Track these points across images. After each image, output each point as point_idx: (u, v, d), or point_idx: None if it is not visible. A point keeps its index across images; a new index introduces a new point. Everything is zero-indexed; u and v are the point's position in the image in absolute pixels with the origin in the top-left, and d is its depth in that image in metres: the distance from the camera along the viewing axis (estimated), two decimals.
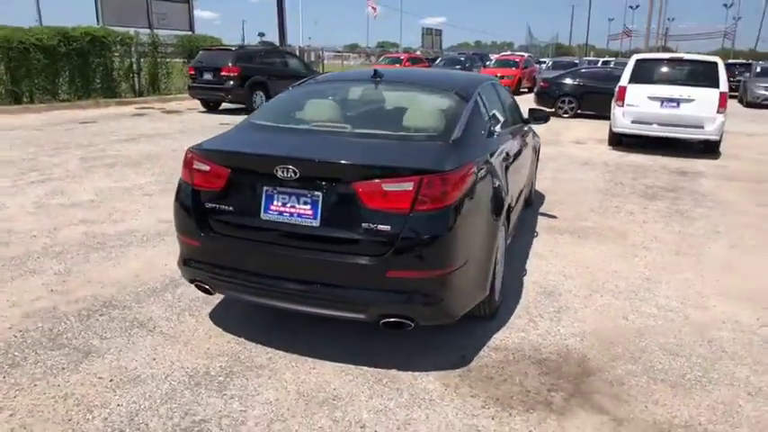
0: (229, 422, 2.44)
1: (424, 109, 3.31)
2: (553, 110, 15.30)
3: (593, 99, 14.69)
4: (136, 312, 3.45)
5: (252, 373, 2.83)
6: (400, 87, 3.82)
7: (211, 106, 14.05)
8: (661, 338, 3.27)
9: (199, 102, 14.09)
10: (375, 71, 3.62)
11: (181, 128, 11.38)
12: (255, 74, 13.18)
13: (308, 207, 2.70)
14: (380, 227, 2.59)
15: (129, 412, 2.49)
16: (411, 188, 2.56)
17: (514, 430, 2.43)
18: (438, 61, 26.52)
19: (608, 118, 10.42)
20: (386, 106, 3.51)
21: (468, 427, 2.44)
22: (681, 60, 9.79)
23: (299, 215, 2.71)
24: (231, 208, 2.86)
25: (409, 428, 2.43)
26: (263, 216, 2.78)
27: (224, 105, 14.26)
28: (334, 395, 2.66)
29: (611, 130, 10.17)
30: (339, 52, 59.69)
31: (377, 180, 2.58)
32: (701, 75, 9.25)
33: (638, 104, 9.49)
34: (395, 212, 2.57)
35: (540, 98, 15.86)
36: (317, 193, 2.67)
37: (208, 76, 13.03)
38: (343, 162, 2.70)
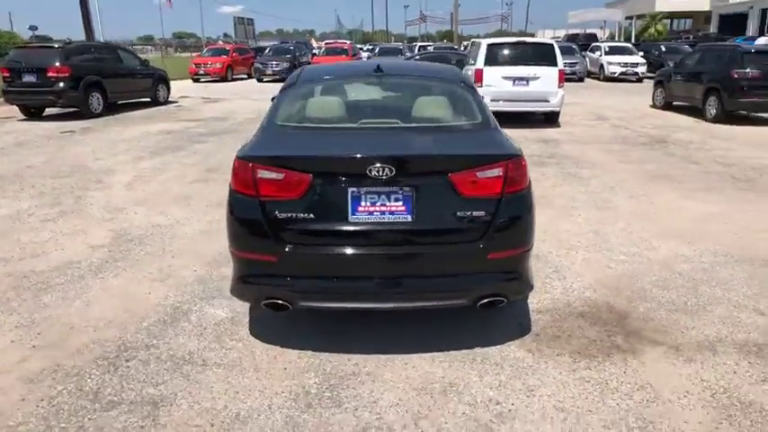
0: None
1: (450, 100, 3.44)
2: None
3: None
4: (166, 350, 3.04)
5: (353, 381, 2.75)
6: (408, 80, 3.87)
7: (33, 112, 11.93)
8: (646, 278, 3.92)
9: (18, 108, 11.83)
10: (378, 65, 3.62)
11: (13, 140, 9.56)
12: (89, 73, 11.54)
13: (400, 204, 2.68)
14: (475, 213, 2.70)
15: None
16: (501, 173, 2.71)
17: (613, 374, 2.79)
18: (267, 51, 25.88)
19: None
20: (411, 99, 3.53)
21: (579, 380, 2.73)
22: (524, 43, 11.18)
23: (391, 213, 2.68)
24: (312, 215, 2.69)
25: (535, 394, 2.63)
26: (351, 219, 2.68)
27: (49, 110, 12.25)
28: (449, 382, 2.73)
29: None
30: (134, 44, 54.60)
31: (471, 169, 2.68)
32: (542, 55, 10.66)
33: (495, 84, 10.60)
34: (488, 197, 2.71)
35: None
36: (407, 188, 2.67)
37: (30, 78, 11.02)
38: (440, 155, 2.74)
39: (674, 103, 13.21)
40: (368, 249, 2.72)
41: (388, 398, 2.62)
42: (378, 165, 2.61)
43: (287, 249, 2.71)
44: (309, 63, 26.53)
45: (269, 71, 23.69)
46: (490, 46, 10.81)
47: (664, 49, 23.14)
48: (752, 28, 39.73)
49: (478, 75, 10.66)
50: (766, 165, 7.47)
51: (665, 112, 12.91)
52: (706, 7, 51.72)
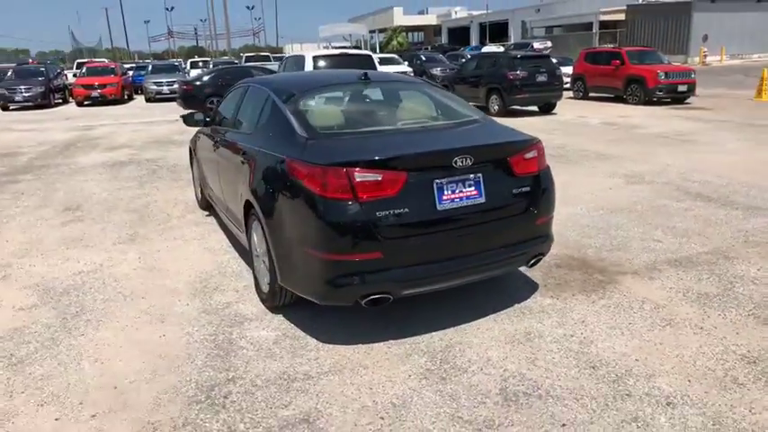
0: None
1: (449, 99, 3.90)
2: (202, 111, 15.56)
3: None
4: (259, 374, 2.88)
5: (454, 351, 3.06)
6: (390, 85, 4.16)
7: None
8: (570, 234, 4.96)
9: None
10: (365, 73, 3.88)
11: None
12: None
13: (473, 188, 3.08)
14: (524, 188, 3.27)
15: None
16: (535, 154, 3.33)
17: (619, 298, 3.64)
18: (9, 74, 21.85)
19: None
20: (412, 101, 3.84)
21: (604, 308, 3.51)
22: (347, 55, 11.93)
23: (468, 197, 3.07)
24: (407, 209, 2.92)
25: (587, 323, 3.32)
26: (439, 207, 2.99)
27: None
28: (525, 332, 3.25)
29: None
30: None
31: (520, 152, 3.23)
32: (363, 65, 11.56)
33: None
34: (530, 175, 3.30)
35: (188, 102, 15.76)
36: (478, 174, 3.09)
37: None
38: (502, 143, 3.20)
39: None
40: (453, 232, 3.07)
41: (495, 354, 3.02)
42: (461, 156, 2.98)
43: (388, 244, 2.89)
44: (65, 85, 23.35)
45: (18, 98, 20.16)
46: (315, 58, 11.32)
47: (424, 58, 26.52)
48: (474, 39, 48.00)
49: None
50: (545, 141, 9.59)
51: None
52: (434, 21, 60.42)
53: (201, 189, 5.88)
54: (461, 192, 3.06)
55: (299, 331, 3.36)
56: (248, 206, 3.71)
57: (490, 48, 34.64)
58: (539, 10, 40.41)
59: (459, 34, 51.34)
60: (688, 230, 4.90)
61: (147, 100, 21.97)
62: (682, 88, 14.97)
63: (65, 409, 2.68)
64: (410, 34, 66.73)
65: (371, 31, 61.92)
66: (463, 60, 21.49)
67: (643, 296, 3.66)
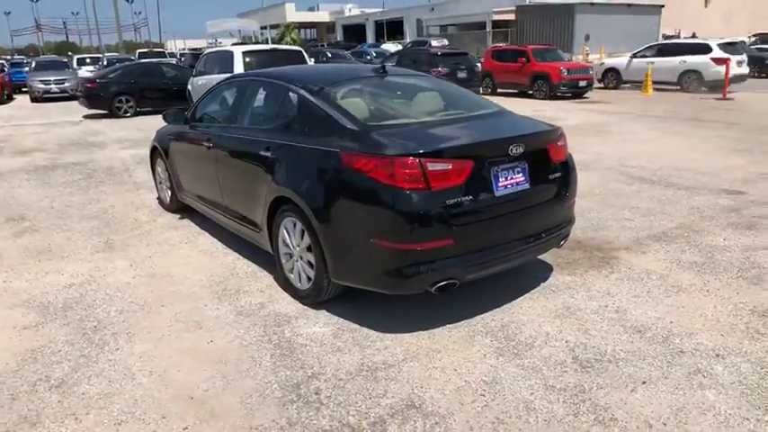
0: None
1: (463, 92, 4.04)
2: (109, 111, 14.48)
3: (152, 95, 14.73)
4: (352, 363, 2.85)
5: (512, 329, 3.24)
6: (411, 79, 4.22)
7: None
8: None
9: None
10: (383, 67, 3.94)
11: None
12: None
13: (521, 175, 3.27)
14: (557, 174, 3.52)
15: None
16: (563, 142, 3.59)
17: (626, 271, 4.03)
18: None
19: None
20: (436, 92, 3.93)
21: (619, 281, 3.88)
22: (277, 50, 11.63)
23: (517, 183, 3.25)
24: (471, 196, 3.04)
25: (613, 294, 3.66)
26: (497, 194, 3.14)
27: None
28: (563, 306, 3.51)
29: None
30: None
31: (554, 141, 3.47)
32: (293, 60, 11.38)
33: None
34: (561, 161, 3.55)
35: (92, 100, 14.55)
36: (524, 161, 3.28)
37: None
38: (543, 131, 3.40)
39: None
40: (507, 218, 3.24)
41: (550, 329, 3.25)
42: (515, 144, 3.16)
43: (457, 231, 3.00)
44: None
45: None
46: (245, 53, 10.96)
47: (330, 54, 26.46)
48: (370, 36, 48.59)
49: None
50: None
51: None
52: (327, 18, 60.25)
53: (173, 192, 5.55)
54: (512, 178, 3.25)
55: (352, 324, 3.36)
56: (277, 204, 3.63)
57: (388, 45, 35.37)
58: (433, 9, 41.83)
59: (355, 32, 51.74)
60: (650, 210, 5.49)
61: (33, 99, 19.84)
62: (582, 84, 16.40)
63: (150, 425, 2.50)
64: (303, 31, 66.05)
65: (263, 27, 60.47)
66: (368, 58, 21.92)
67: (645, 268, 4.09)
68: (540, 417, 2.50)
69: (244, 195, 4.12)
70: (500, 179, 3.19)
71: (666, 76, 16.95)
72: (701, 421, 2.45)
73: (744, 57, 17.08)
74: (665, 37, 36.84)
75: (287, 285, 3.80)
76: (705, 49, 16.75)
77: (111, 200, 6.40)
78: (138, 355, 3.08)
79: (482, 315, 3.42)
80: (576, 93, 16.54)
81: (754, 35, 32.74)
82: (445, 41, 34.83)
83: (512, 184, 3.25)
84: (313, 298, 3.53)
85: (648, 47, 18.57)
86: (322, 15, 60.50)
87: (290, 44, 54.58)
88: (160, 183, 5.95)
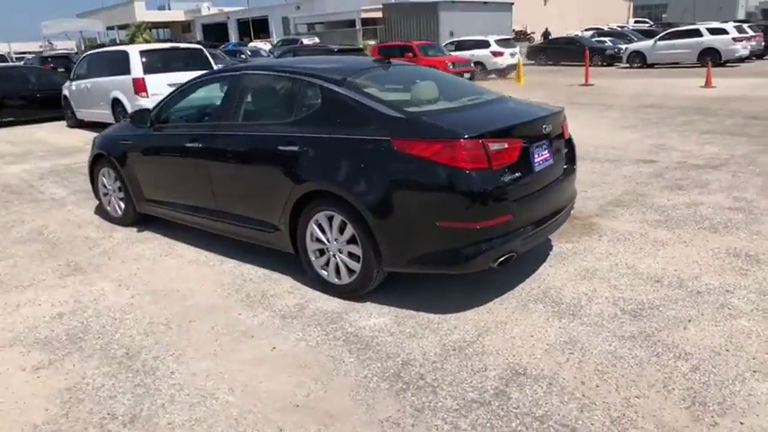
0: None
1: (457, 78, 4.17)
2: None
3: (14, 104, 12.94)
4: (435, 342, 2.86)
5: (558, 306, 3.48)
6: (412, 68, 4.24)
7: None
8: None
9: None
10: (388, 59, 3.98)
11: None
12: None
13: (546, 152, 3.51)
14: (565, 150, 3.83)
15: None
16: (566, 122, 3.90)
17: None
18: None
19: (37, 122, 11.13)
20: (446, 81, 4.01)
21: (610, 242, 4.32)
22: (177, 49, 10.81)
23: (545, 160, 3.49)
24: (520, 173, 3.21)
25: (615, 259, 4.07)
26: (535, 170, 3.35)
27: None
28: (585, 270, 3.83)
29: None
30: None
31: (563, 120, 3.76)
32: (195, 59, 10.72)
33: (162, 93, 10.01)
34: (566, 138, 3.87)
35: None
36: (548, 139, 3.52)
37: None
38: (561, 111, 3.66)
39: None
40: (543, 192, 3.46)
41: (585, 289, 3.55)
42: (546, 123, 3.40)
43: (514, 206, 3.16)
44: None
45: None
46: (144, 53, 10.08)
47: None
48: (233, 35, 46.89)
49: (140, 84, 9.88)
50: None
51: None
52: (182, 17, 56.97)
53: (130, 203, 5.03)
54: (542, 155, 3.48)
55: (406, 311, 3.37)
56: (304, 200, 3.51)
57: (256, 44, 34.50)
58: (299, 7, 41.53)
59: (215, 31, 49.61)
60: (594, 181, 6.11)
61: None
62: (466, 76, 17.44)
63: None
64: (156, 31, 61.84)
65: (109, 28, 55.66)
66: (243, 57, 21.27)
67: (624, 230, 4.59)
68: (630, 362, 2.76)
69: (252, 196, 3.90)
70: (536, 156, 3.41)
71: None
72: (751, 343, 2.88)
73: (516, 50, 21.77)
74: (515, 32, 40.43)
75: (319, 283, 3.69)
76: (485, 44, 21.07)
77: (39, 220, 5.61)
78: (203, 375, 2.83)
79: (521, 285, 3.63)
80: None
81: (586, 29, 37.13)
82: (316, 39, 34.83)
83: (543, 160, 3.49)
84: (359, 290, 3.48)
85: (449, 42, 23.01)
86: (176, 14, 57.06)
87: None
88: (106, 194, 5.35)
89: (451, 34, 32.48)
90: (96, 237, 5.02)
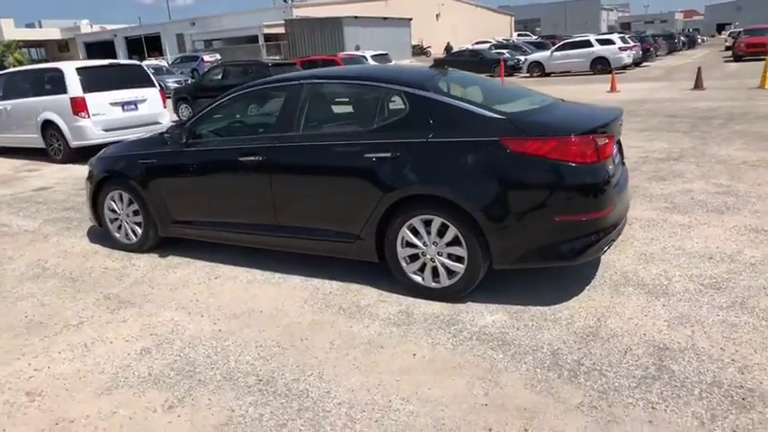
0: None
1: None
2: None
3: None
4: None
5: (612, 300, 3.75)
6: (468, 75, 4.29)
7: None
8: None
9: None
10: (445, 65, 4.03)
11: None
12: None
13: (616, 148, 3.77)
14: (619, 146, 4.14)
15: None
16: None
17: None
18: None
19: None
20: (498, 86, 4.10)
21: (641, 228, 4.71)
22: (117, 65, 9.98)
23: (616, 154, 3.75)
24: (612, 166, 3.42)
25: (662, 242, 4.45)
26: (615, 162, 3.59)
27: None
28: (641, 254, 4.15)
29: (68, 145, 9.35)
30: None
31: None
32: (136, 76, 10.00)
33: (104, 112, 9.29)
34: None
35: None
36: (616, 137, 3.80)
37: None
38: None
39: None
40: (623, 184, 3.71)
41: (656, 270, 3.85)
42: (621, 122, 3.66)
43: (614, 196, 3.37)
44: None
45: None
46: (81, 70, 9.21)
47: None
48: (121, 53, 43.99)
49: (80, 104, 9.05)
50: None
51: None
52: (58, 35, 52.47)
53: (151, 227, 4.63)
54: (615, 151, 3.74)
55: (515, 306, 3.45)
56: (398, 206, 3.50)
57: (150, 62, 32.71)
58: (194, 23, 39.94)
59: (101, 49, 46.21)
60: None
61: None
62: None
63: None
64: (27, 50, 56.37)
65: None
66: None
67: (647, 217, 5.00)
68: (746, 327, 3.05)
69: (328, 207, 3.79)
70: (615, 152, 3.67)
71: None
72: None
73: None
74: (413, 47, 42.04)
75: (412, 289, 3.65)
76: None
77: (30, 254, 4.96)
78: (363, 389, 2.72)
79: (598, 273, 3.86)
80: None
81: (477, 42, 39.50)
82: (218, 56, 33.78)
83: (618, 156, 3.76)
84: (462, 291, 3.51)
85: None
86: (50, 32, 52.39)
87: (14, 65, 46.35)
88: (114, 220, 4.87)
89: (357, 48, 33.05)
90: (116, 267, 4.55)
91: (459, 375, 2.79)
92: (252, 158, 3.97)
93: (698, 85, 14.52)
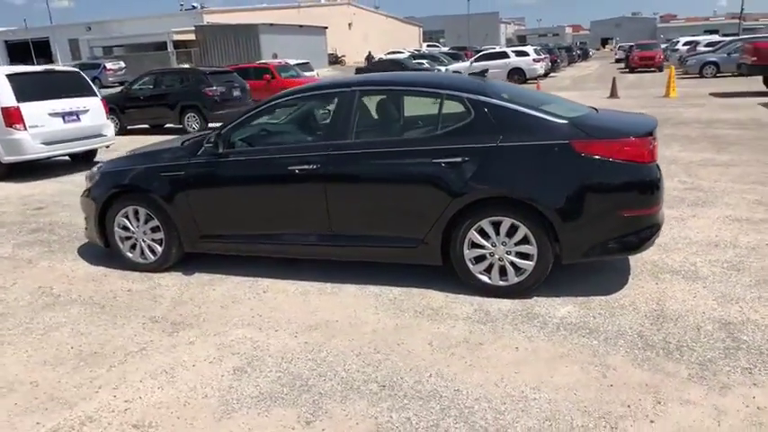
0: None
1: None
2: None
3: None
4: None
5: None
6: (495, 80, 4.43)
7: None
8: None
9: None
10: (484, 74, 4.23)
11: None
12: None
13: None
14: None
15: None
16: None
17: None
18: None
19: None
20: (533, 92, 4.32)
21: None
22: (53, 72, 9.05)
23: None
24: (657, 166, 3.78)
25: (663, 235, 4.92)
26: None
27: None
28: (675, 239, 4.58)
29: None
30: None
31: None
32: (76, 84, 9.22)
33: (43, 124, 8.48)
34: None
35: None
36: None
37: None
38: None
39: (130, 127, 13.84)
40: None
41: (680, 258, 4.27)
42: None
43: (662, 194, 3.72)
44: None
45: None
46: (13, 77, 8.32)
47: None
48: (1, 60, 39.85)
49: (13, 114, 8.20)
50: None
51: (139, 137, 13.47)
52: None
53: (174, 244, 4.38)
54: None
55: (578, 298, 3.70)
56: (466, 209, 3.62)
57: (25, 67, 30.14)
58: (89, 28, 37.14)
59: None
60: None
61: None
62: None
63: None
64: None
65: None
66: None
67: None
68: None
69: (391, 214, 3.82)
70: None
71: None
72: None
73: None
74: (330, 56, 42.14)
75: (479, 288, 3.78)
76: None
77: (24, 281, 4.47)
78: (491, 384, 2.81)
79: (632, 264, 4.21)
80: None
81: (389, 52, 40.45)
82: (122, 63, 31.80)
83: None
84: (532, 287, 3.69)
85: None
86: None
87: None
88: (127, 239, 4.53)
89: (275, 56, 32.55)
90: (142, 288, 4.24)
91: (571, 362, 2.97)
92: (305, 167, 3.90)
93: (613, 93, 15.97)
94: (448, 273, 3.93)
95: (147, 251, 4.52)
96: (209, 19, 33.38)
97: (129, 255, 4.58)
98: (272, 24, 32.70)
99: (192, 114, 13.16)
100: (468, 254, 3.74)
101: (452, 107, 3.84)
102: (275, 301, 3.93)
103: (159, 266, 4.51)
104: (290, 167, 3.96)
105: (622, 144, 3.49)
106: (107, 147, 9.81)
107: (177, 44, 32.75)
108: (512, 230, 3.62)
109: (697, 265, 4.15)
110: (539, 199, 3.52)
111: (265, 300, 3.95)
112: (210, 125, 13.29)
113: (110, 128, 9.68)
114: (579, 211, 3.52)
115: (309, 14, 43.05)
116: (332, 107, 4.06)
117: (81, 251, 5.19)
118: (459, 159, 3.64)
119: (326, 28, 38.57)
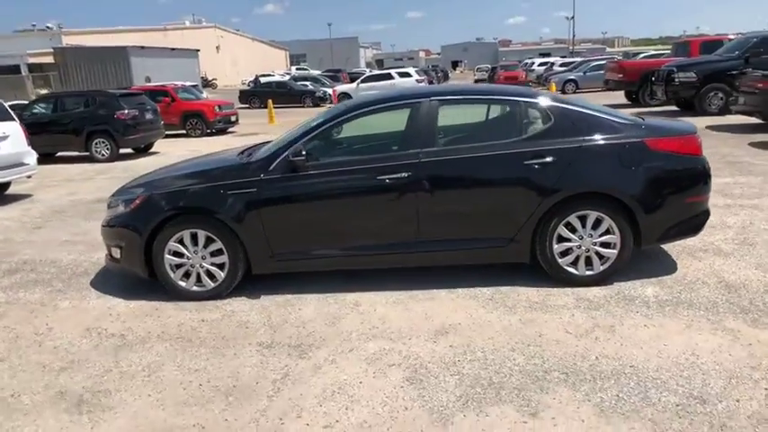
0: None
1: None
2: None
3: None
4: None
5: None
6: None
7: None
8: None
9: None
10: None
11: None
12: None
13: None
14: None
15: None
16: None
17: None
18: None
19: None
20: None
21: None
22: None
23: None
24: None
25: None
26: None
27: None
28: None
29: None
30: None
31: None
32: None
33: None
34: None
35: None
36: None
37: None
38: None
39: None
40: None
41: (710, 239, 4.94)
42: None
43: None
44: None
45: None
46: None
47: None
48: None
49: None
50: None
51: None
52: None
53: (240, 266, 4.08)
54: None
55: (648, 279, 4.14)
56: (555, 206, 3.90)
57: None
58: None
59: None
60: None
61: None
62: (233, 118, 17.21)
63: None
64: None
65: None
66: None
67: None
68: None
69: (484, 215, 3.98)
70: None
71: None
72: None
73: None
74: (203, 79, 40.46)
75: (565, 281, 4.06)
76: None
77: (62, 327, 3.83)
78: (678, 359, 3.07)
79: (665, 248, 4.78)
80: (226, 128, 17.19)
81: (260, 75, 39.94)
82: None
83: None
84: (613, 275, 4.05)
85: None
86: None
87: None
88: (180, 266, 4.11)
89: (148, 80, 30.51)
90: (215, 317, 3.88)
91: (698, 331, 3.35)
92: (396, 176, 3.91)
93: None
94: (516, 269, 4.22)
95: (204, 277, 4.14)
96: (68, 41, 30.28)
97: (182, 284, 4.16)
98: (143, 47, 30.57)
99: (102, 140, 11.95)
100: (557, 248, 4.02)
101: (530, 112, 4.13)
102: (376, 312, 3.85)
103: (219, 293, 4.16)
104: (379, 177, 3.94)
105: (685, 140, 4.04)
106: (28, 177, 8.60)
107: (32, 67, 29.16)
108: (596, 223, 3.98)
109: (716, 244, 4.85)
110: (622, 191, 3.91)
111: (366, 313, 3.85)
112: (122, 151, 12.23)
113: (32, 156, 8.51)
114: (655, 200, 3.97)
115: (176, 37, 41.05)
116: (413, 117, 4.12)
117: (96, 286, 4.59)
118: (549, 159, 3.92)
119: (198, 51, 37.06)
